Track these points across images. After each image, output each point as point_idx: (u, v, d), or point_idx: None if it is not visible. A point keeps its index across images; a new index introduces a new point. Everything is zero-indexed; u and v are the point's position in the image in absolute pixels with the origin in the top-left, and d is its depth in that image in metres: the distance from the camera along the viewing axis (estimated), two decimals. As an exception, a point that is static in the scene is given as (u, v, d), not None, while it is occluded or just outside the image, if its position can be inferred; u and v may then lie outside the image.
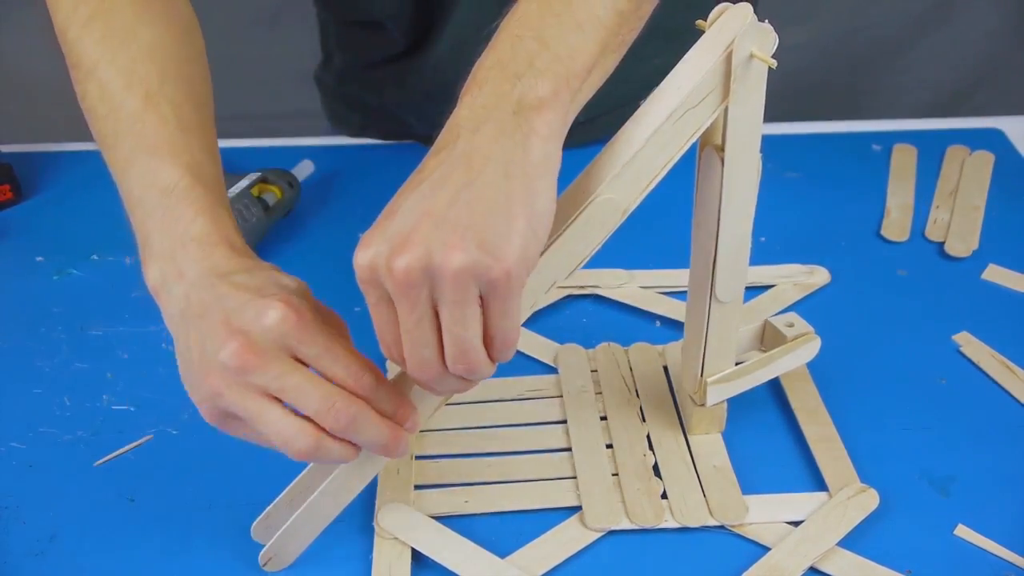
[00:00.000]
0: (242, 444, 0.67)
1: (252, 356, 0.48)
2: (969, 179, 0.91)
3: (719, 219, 0.57)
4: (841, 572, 0.58)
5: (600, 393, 0.70)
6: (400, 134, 0.98)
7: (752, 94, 0.53)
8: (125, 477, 0.65)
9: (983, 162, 0.93)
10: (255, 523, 0.58)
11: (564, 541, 0.60)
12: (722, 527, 0.61)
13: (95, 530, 0.62)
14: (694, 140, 0.53)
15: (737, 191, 0.56)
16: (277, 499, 0.58)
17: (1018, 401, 0.70)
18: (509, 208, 0.46)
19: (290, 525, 0.56)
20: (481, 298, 0.47)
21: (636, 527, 0.61)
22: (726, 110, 0.53)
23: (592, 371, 0.72)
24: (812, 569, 0.58)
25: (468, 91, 0.49)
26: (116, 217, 0.88)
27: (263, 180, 0.86)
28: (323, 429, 0.50)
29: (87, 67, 0.58)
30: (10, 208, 0.90)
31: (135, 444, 0.67)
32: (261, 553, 0.57)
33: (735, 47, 0.51)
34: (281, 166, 0.89)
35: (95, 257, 0.84)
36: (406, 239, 0.45)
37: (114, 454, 0.67)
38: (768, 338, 0.67)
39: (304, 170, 0.91)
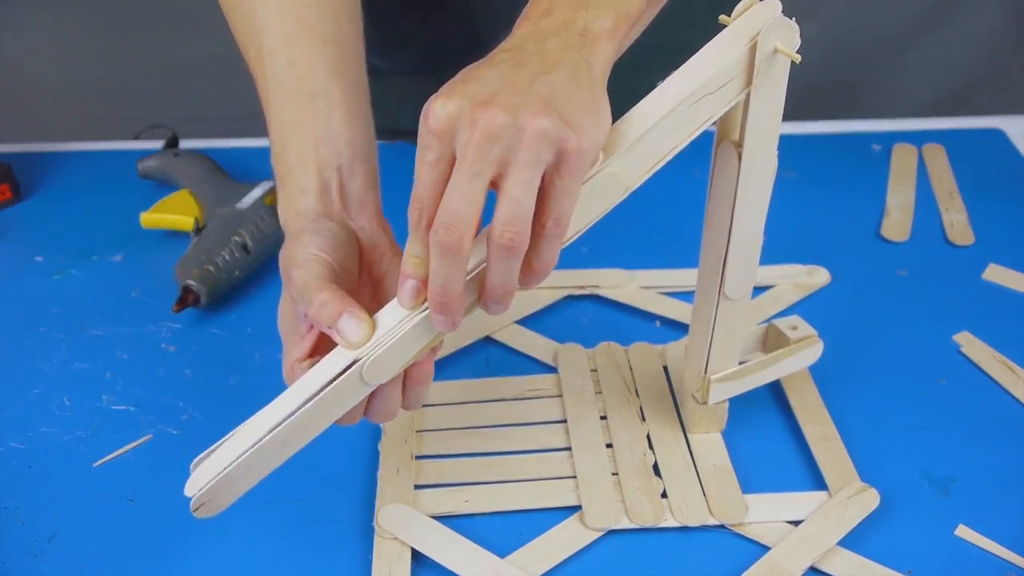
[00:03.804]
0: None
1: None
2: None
3: (733, 214, 0.57)
4: (841, 572, 0.58)
5: (600, 393, 0.70)
6: (389, 131, 0.97)
7: (774, 88, 0.53)
8: (125, 477, 0.65)
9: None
10: (196, 458, 0.54)
11: (564, 541, 0.60)
12: (722, 526, 0.61)
13: (95, 530, 0.62)
14: (704, 128, 0.53)
15: (753, 186, 0.56)
16: (223, 439, 0.54)
17: (1019, 401, 0.70)
18: (584, 98, 0.49)
19: (230, 471, 0.52)
20: (543, 180, 0.48)
21: (636, 526, 0.61)
22: (746, 104, 0.53)
23: (592, 371, 0.72)
24: (812, 569, 0.58)
25: (530, 16, 0.52)
26: (116, 217, 0.89)
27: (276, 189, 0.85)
28: None
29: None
30: (10, 208, 0.90)
31: (135, 444, 0.67)
32: (194, 499, 0.53)
33: (760, 40, 0.51)
34: None
35: (95, 257, 0.84)
36: (491, 98, 0.47)
37: (114, 454, 0.67)
38: (771, 340, 0.67)
39: None
